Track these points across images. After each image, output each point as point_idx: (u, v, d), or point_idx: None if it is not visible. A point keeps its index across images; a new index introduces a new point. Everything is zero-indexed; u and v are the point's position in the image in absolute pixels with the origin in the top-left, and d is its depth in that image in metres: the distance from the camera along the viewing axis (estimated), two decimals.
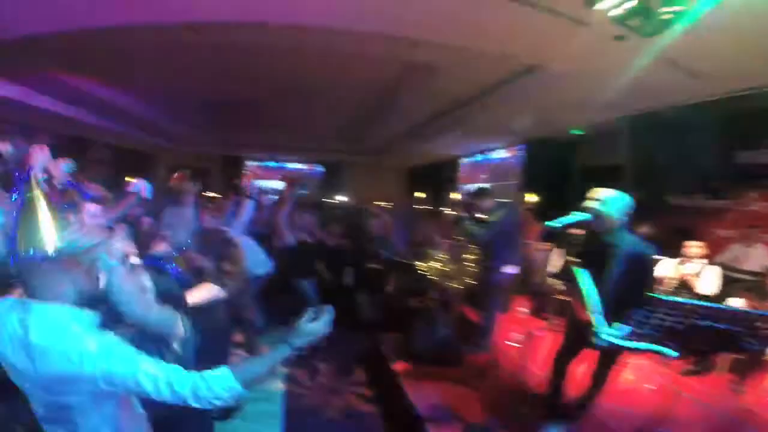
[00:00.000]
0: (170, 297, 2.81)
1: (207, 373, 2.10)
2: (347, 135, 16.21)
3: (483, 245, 7.01)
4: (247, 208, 6.44)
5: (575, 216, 4.65)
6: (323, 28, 6.68)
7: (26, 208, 2.38)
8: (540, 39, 6.14)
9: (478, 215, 6.89)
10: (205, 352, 2.99)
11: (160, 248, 4.22)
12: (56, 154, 4.10)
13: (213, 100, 12.41)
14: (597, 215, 4.53)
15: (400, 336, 7.20)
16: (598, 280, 4.40)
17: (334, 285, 8.32)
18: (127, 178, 12.65)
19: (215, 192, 18.43)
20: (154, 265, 3.06)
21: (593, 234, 4.66)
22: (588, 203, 4.60)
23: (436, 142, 14.59)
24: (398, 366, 6.74)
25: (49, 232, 2.20)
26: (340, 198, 19.13)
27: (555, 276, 5.52)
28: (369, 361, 7.34)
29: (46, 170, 3.56)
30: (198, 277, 4.12)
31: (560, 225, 4.64)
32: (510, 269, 6.74)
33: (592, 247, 4.58)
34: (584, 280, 4.43)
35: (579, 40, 5.72)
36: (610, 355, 4.66)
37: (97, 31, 7.17)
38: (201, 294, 3.94)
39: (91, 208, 4.46)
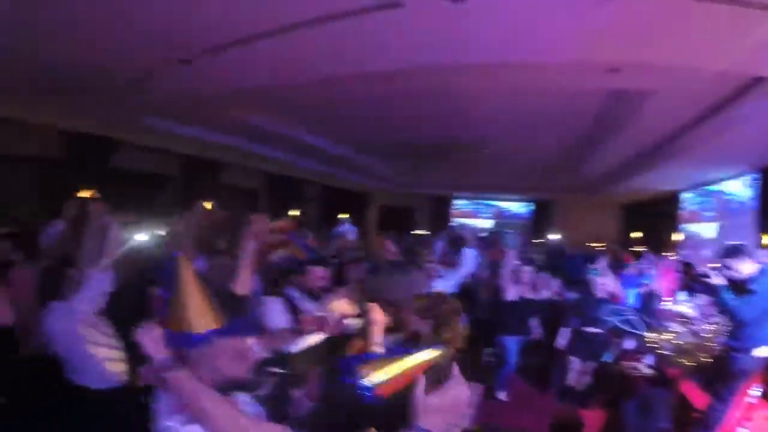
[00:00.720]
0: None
1: None
2: (557, 171, 15.51)
3: (734, 318, 5.75)
4: (468, 262, 6.09)
5: None
6: (523, 64, 6.46)
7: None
8: (763, 43, 5.17)
9: (732, 276, 5.72)
10: None
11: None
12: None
13: (420, 141, 12.47)
14: None
15: (610, 413, 6.30)
16: None
17: (544, 345, 7.66)
18: (339, 216, 13.22)
19: (422, 230, 18.62)
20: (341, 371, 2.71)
21: None
22: None
23: (653, 175, 13.30)
24: None
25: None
26: (552, 237, 18.24)
27: None
28: None
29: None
30: (414, 342, 3.87)
31: None
32: (765, 352, 5.54)
33: None
34: None
35: None
36: None
37: (308, 84, 7.58)
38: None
39: (319, 272, 4.35)
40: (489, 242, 8.57)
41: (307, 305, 4.11)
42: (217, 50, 6.46)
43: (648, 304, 7.70)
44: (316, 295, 4.19)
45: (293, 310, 4.04)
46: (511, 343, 7.09)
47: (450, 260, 6.63)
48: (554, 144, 11.97)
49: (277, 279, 4.44)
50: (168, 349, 2.07)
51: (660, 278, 8.47)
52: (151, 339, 2.06)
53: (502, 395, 7.07)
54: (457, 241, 6.95)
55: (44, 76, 7.72)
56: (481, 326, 6.83)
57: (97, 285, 3.39)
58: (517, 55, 6.17)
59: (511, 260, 7.28)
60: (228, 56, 6.62)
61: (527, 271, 7.53)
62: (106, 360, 3.47)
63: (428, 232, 17.60)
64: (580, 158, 13.01)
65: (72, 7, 5.45)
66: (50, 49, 6.65)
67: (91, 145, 11.67)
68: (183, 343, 2.05)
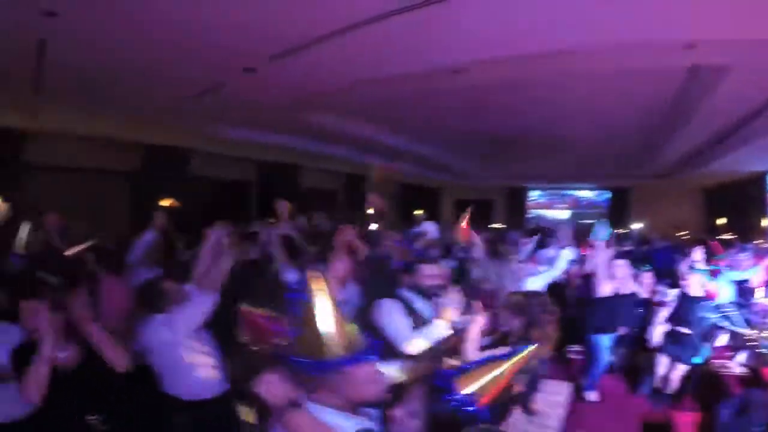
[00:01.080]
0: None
1: None
2: (634, 157, 15.12)
3: None
4: (561, 261, 6.00)
5: None
6: (592, 49, 6.31)
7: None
8: None
9: None
10: None
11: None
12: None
13: (493, 134, 12.40)
14: None
15: (703, 415, 5.92)
16: None
17: (636, 344, 7.38)
18: (414, 212, 13.25)
19: (499, 223, 18.46)
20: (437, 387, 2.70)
21: None
22: None
23: (736, 156, 12.71)
24: None
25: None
26: (635, 226, 17.68)
27: None
28: None
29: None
30: (504, 341, 3.88)
31: None
32: None
33: None
34: None
35: None
36: None
37: (377, 83, 7.70)
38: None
39: (428, 270, 4.30)
40: (579, 235, 8.22)
41: (421, 305, 4.13)
42: (281, 57, 6.55)
43: (745, 298, 7.37)
44: (429, 293, 4.20)
45: (409, 310, 4.08)
46: (603, 342, 6.85)
47: (540, 258, 6.51)
48: (630, 128, 11.69)
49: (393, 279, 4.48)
50: (296, 374, 2.15)
51: (755, 269, 8.00)
52: (271, 387, 2.17)
53: (591, 396, 6.90)
54: (547, 236, 6.79)
55: (117, 91, 8.10)
56: (571, 323, 6.71)
57: (200, 303, 3.51)
58: (591, 37, 6.02)
59: (606, 254, 6.99)
60: (292, 61, 6.71)
61: (620, 265, 7.07)
62: (202, 372, 3.61)
63: (505, 225, 17.47)
64: (658, 142, 12.64)
65: (135, 23, 5.66)
66: (122, 66, 6.97)
67: (169, 156, 12.11)
68: (315, 370, 2.07)
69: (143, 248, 5.39)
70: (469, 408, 2.46)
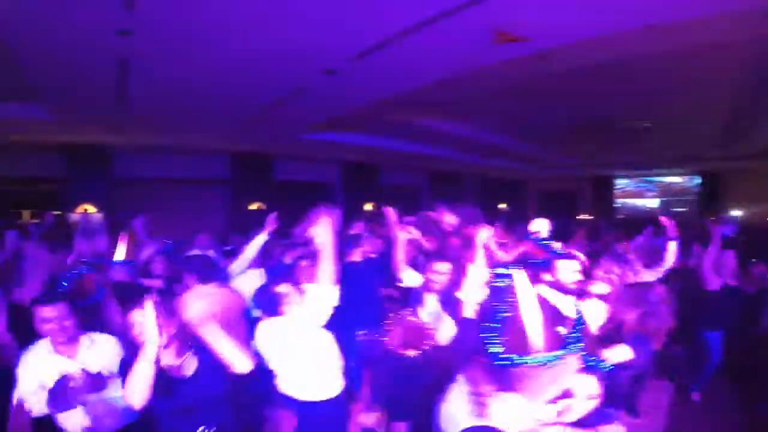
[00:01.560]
0: None
1: None
2: (725, 138, 14.48)
3: None
4: (671, 253, 5.73)
5: None
6: (676, 24, 5.97)
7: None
8: None
9: None
10: None
11: None
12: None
13: (577, 121, 12.10)
14: None
15: None
16: None
17: (749, 340, 6.92)
18: (498, 206, 13.09)
19: (586, 214, 18.03)
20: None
21: None
22: None
23: None
24: None
25: None
26: (734, 213, 16.85)
27: None
28: None
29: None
30: (616, 333, 3.71)
31: None
32: None
33: None
34: None
35: None
36: None
37: (457, 77, 7.64)
38: (614, 355, 3.47)
39: (566, 266, 4.06)
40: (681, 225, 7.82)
41: (560, 300, 3.99)
42: (361, 56, 6.58)
43: None
44: (568, 289, 4.03)
45: (548, 308, 3.93)
46: (712, 339, 6.47)
47: (651, 254, 6.25)
48: (719, 107, 11.18)
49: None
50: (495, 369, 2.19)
51: None
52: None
53: (696, 396, 6.55)
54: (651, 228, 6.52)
55: (201, 103, 8.33)
56: (677, 319, 6.38)
57: (319, 300, 3.47)
58: (674, 12, 5.68)
59: (714, 245, 6.58)
60: (373, 61, 6.74)
61: (730, 255, 6.55)
62: (321, 373, 3.58)
63: (592, 216, 17.06)
64: (749, 120, 12.07)
65: (214, 35, 5.78)
66: (204, 78, 7.16)
67: (256, 162, 12.51)
68: (519, 365, 2.12)
69: (255, 252, 5.36)
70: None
